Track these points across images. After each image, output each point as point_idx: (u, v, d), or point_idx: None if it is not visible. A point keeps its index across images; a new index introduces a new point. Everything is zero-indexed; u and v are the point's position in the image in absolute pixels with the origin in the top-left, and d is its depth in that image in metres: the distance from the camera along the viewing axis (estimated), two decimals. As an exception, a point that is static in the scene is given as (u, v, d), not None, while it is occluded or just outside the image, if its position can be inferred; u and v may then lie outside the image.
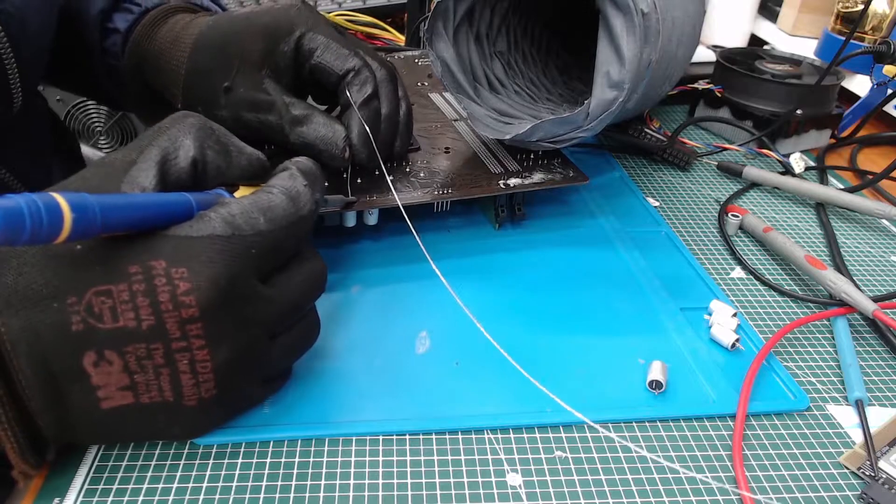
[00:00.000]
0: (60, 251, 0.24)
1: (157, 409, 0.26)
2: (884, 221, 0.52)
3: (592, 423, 0.30)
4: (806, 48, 0.77)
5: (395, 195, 0.40)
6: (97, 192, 0.25)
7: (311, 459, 0.29)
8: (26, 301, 0.24)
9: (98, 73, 0.47)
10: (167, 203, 0.26)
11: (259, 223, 0.27)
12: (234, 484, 0.28)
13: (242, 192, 0.30)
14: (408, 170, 0.44)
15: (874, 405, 0.34)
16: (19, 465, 0.26)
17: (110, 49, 0.45)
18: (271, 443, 0.30)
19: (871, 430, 0.32)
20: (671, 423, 0.32)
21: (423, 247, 0.36)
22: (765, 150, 0.59)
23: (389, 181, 0.41)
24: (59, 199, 0.20)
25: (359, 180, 0.42)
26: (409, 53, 0.66)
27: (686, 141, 0.61)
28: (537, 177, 0.45)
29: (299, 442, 0.30)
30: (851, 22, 0.72)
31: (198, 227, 0.25)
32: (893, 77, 0.64)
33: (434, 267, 0.36)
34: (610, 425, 0.32)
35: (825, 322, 0.40)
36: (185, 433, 0.29)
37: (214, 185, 0.29)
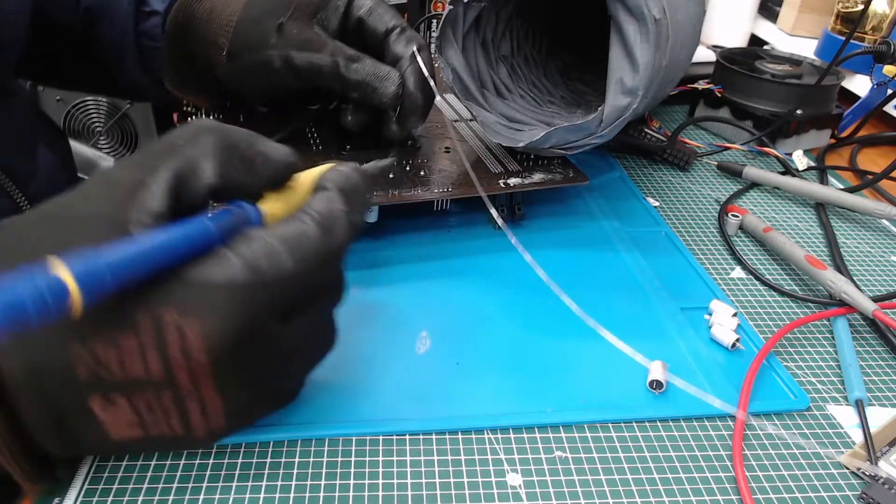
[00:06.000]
0: None
1: (167, 439, 0.25)
2: (884, 221, 0.52)
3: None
4: (806, 48, 0.77)
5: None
6: (104, 219, 0.23)
7: (311, 459, 0.29)
8: (30, 346, 0.23)
9: (126, 62, 0.49)
10: (184, 240, 0.23)
11: (286, 265, 0.24)
12: (234, 484, 0.28)
13: (269, 198, 0.27)
14: (408, 168, 0.44)
15: (874, 405, 0.34)
16: (27, 487, 0.26)
17: (149, 31, 0.48)
18: (271, 443, 0.30)
19: (871, 430, 0.32)
20: (671, 423, 0.32)
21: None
22: (766, 149, 0.59)
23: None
24: (66, 277, 0.19)
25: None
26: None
27: (686, 141, 0.61)
28: (537, 177, 0.45)
29: (299, 442, 0.30)
30: (851, 22, 0.72)
31: (214, 271, 0.23)
32: (893, 77, 0.64)
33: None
34: (610, 425, 0.32)
35: (825, 322, 0.40)
36: (198, 447, 0.29)
37: (236, 198, 0.27)
